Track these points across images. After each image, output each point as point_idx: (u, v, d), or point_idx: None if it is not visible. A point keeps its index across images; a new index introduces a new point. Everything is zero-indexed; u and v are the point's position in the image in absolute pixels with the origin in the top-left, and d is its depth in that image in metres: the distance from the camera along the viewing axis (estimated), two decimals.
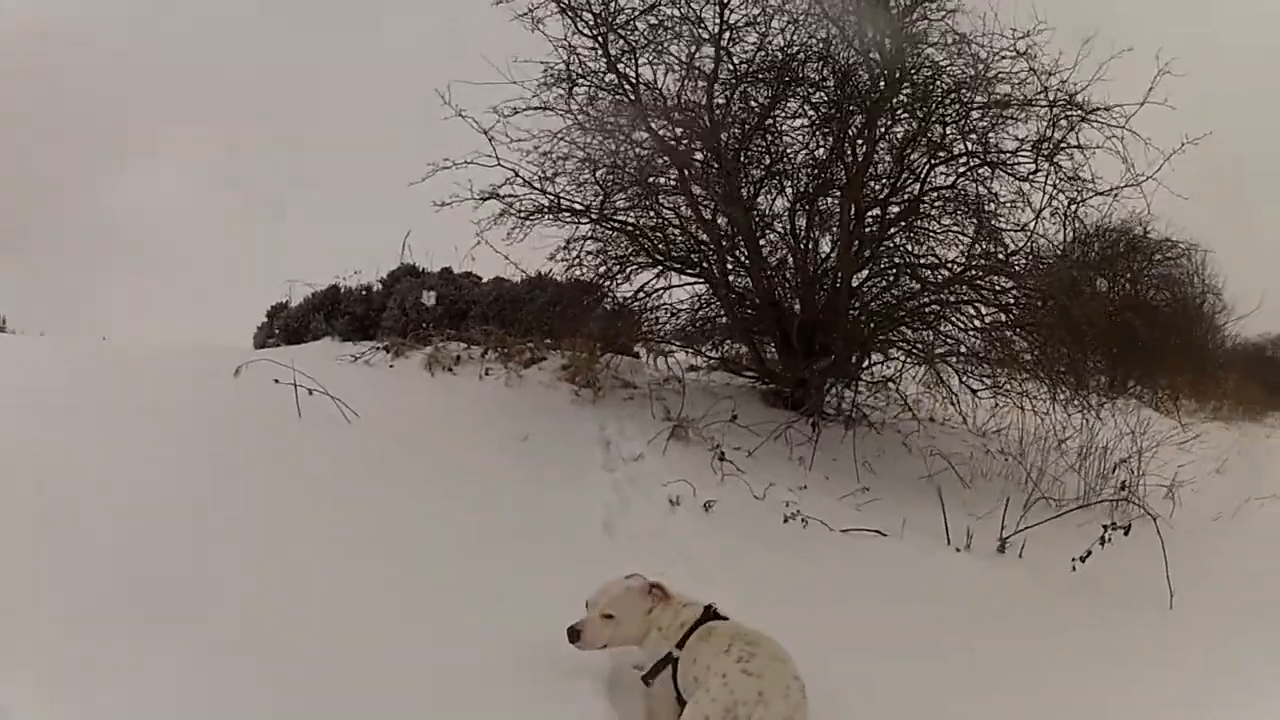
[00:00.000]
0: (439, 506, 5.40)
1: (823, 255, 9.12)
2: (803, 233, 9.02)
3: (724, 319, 9.40)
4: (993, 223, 8.24)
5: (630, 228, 8.94)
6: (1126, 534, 6.19)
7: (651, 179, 8.58)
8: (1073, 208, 7.79)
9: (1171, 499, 7.56)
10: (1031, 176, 7.85)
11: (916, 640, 4.85)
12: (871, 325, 9.12)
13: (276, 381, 6.28)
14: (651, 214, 8.94)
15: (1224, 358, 16.02)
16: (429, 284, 9.68)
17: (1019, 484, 7.92)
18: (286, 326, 10.14)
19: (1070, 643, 5.11)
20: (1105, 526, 6.20)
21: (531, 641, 3.95)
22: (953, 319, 8.94)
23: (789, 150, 8.77)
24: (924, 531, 6.43)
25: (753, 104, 8.47)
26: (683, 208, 8.84)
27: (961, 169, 8.25)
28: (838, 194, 8.74)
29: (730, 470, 6.90)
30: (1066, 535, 6.55)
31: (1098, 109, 7.38)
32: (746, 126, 8.45)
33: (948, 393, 9.01)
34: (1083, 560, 5.93)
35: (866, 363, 9.49)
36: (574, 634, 3.92)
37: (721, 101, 8.29)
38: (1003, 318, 8.73)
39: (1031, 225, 8.02)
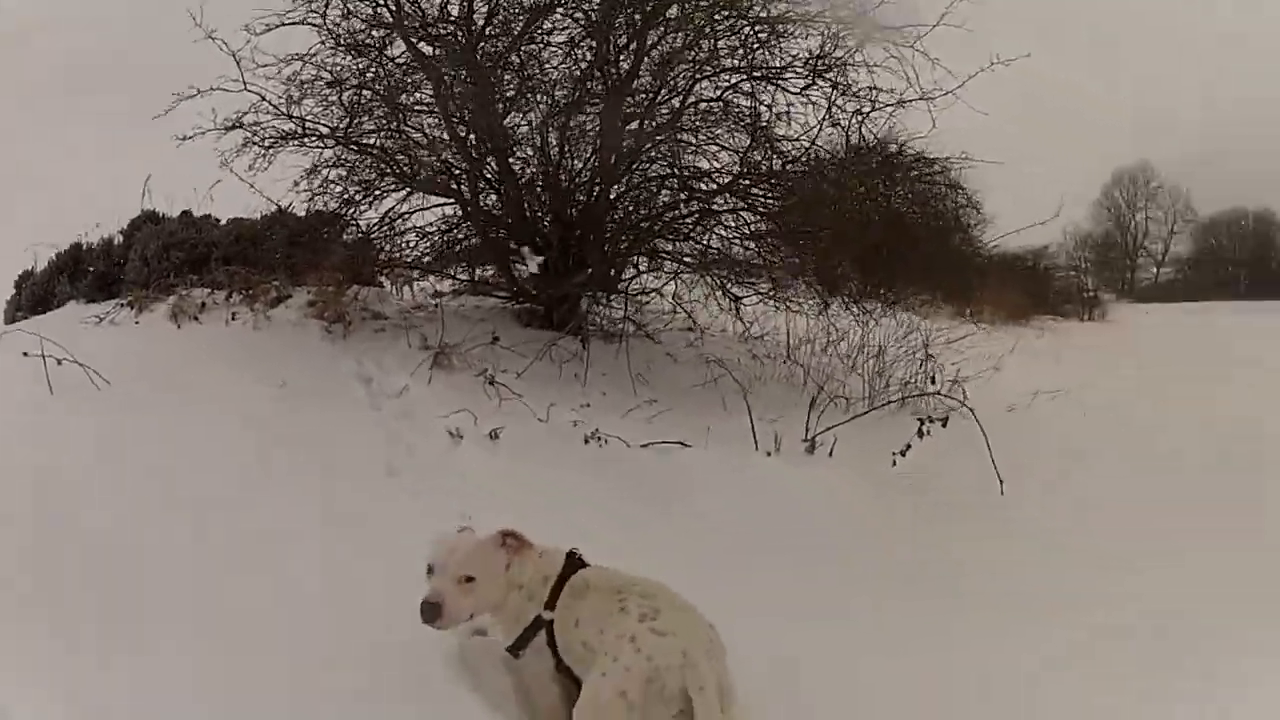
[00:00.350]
0: (211, 465, 4.94)
1: (575, 170, 8.92)
2: (554, 147, 8.75)
3: (476, 241, 9.10)
4: (766, 134, 8.27)
5: (376, 150, 8.44)
6: (944, 425, 6.46)
7: (403, 97, 8.20)
8: (853, 121, 7.95)
9: (960, 394, 7.72)
10: (805, 91, 7.96)
11: (770, 550, 4.98)
12: (631, 238, 9.09)
13: (25, 355, 5.63)
14: (400, 135, 8.46)
15: (983, 267, 17.09)
16: (169, 229, 8.92)
17: (798, 388, 8.14)
18: (33, 295, 9.19)
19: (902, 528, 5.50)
20: (921, 420, 6.51)
21: (356, 621, 3.53)
22: (716, 229, 9.01)
23: (548, 64, 8.51)
24: (725, 439, 6.50)
25: (513, 18, 8.16)
26: (431, 128, 8.46)
27: (726, 84, 8.27)
28: (597, 107, 8.51)
29: (506, 395, 6.66)
30: (868, 433, 6.83)
31: (885, 28, 7.53)
32: (505, 41, 8.14)
33: (714, 300, 9.22)
34: (903, 454, 6.21)
35: (629, 274, 9.44)
36: (433, 610, 3.23)
37: (484, 12, 7.95)
38: (763, 227, 8.88)
39: (802, 137, 8.16)
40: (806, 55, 7.92)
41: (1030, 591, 4.86)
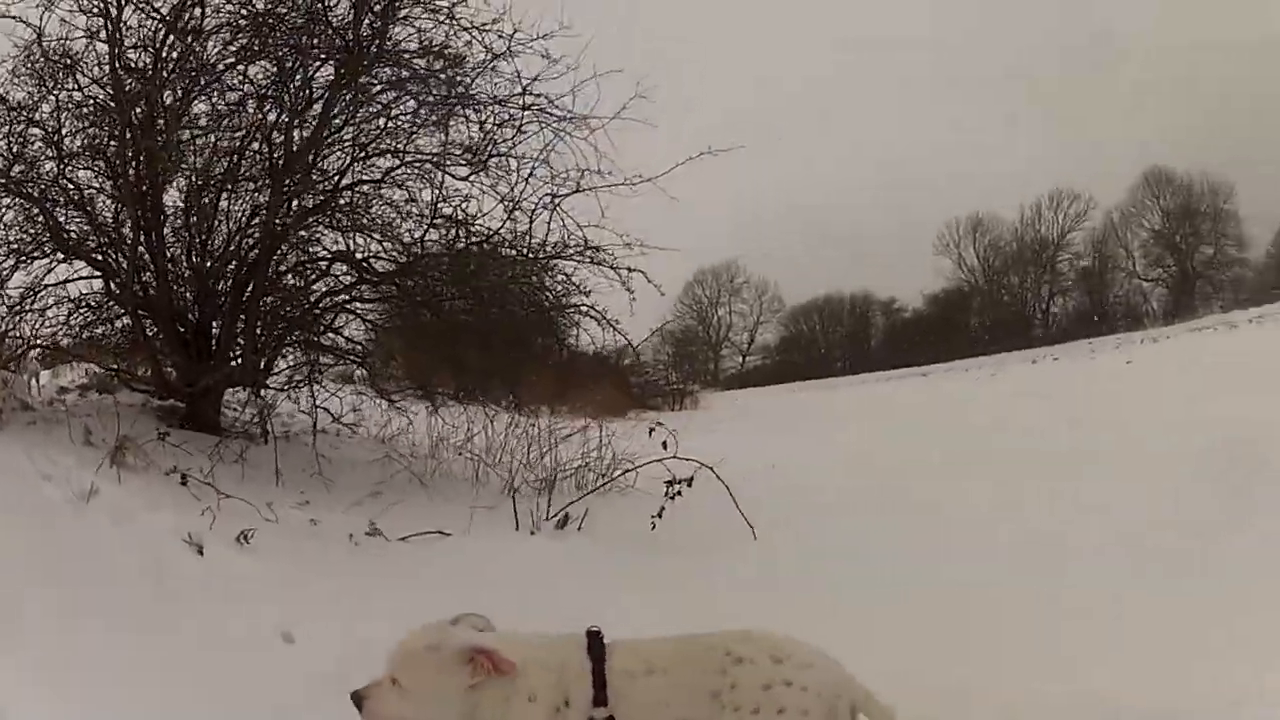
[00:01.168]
0: None
1: (219, 249, 8.65)
2: (195, 226, 8.52)
3: (124, 324, 8.58)
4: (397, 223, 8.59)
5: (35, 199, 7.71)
6: (690, 485, 6.96)
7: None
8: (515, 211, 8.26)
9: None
10: (471, 179, 8.26)
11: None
12: (283, 326, 8.87)
13: None
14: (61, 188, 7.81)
15: (580, 366, 17.63)
16: None
17: (471, 479, 8.44)
18: None
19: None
20: (668, 483, 6.94)
21: None
22: (351, 322, 9.17)
23: (197, 138, 8.23)
24: (478, 525, 6.58)
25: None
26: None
27: (380, 172, 8.52)
28: (249, 185, 8.49)
29: (206, 495, 6.24)
30: (594, 507, 7.23)
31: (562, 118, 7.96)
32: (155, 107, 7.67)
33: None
34: (659, 517, 6.67)
35: (281, 367, 9.22)
36: (357, 700, 2.96)
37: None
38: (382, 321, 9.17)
39: (416, 230, 8.48)
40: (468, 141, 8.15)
41: None
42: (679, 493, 6.83)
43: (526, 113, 8.00)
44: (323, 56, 7.78)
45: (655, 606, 4.80)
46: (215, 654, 3.94)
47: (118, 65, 7.37)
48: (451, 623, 3.06)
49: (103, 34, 7.37)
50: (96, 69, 7.55)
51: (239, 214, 8.57)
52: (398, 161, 8.33)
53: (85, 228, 7.96)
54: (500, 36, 7.75)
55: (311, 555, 5.59)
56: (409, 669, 2.94)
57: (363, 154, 8.37)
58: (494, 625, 3.14)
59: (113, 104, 7.44)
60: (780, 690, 2.79)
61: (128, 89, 7.38)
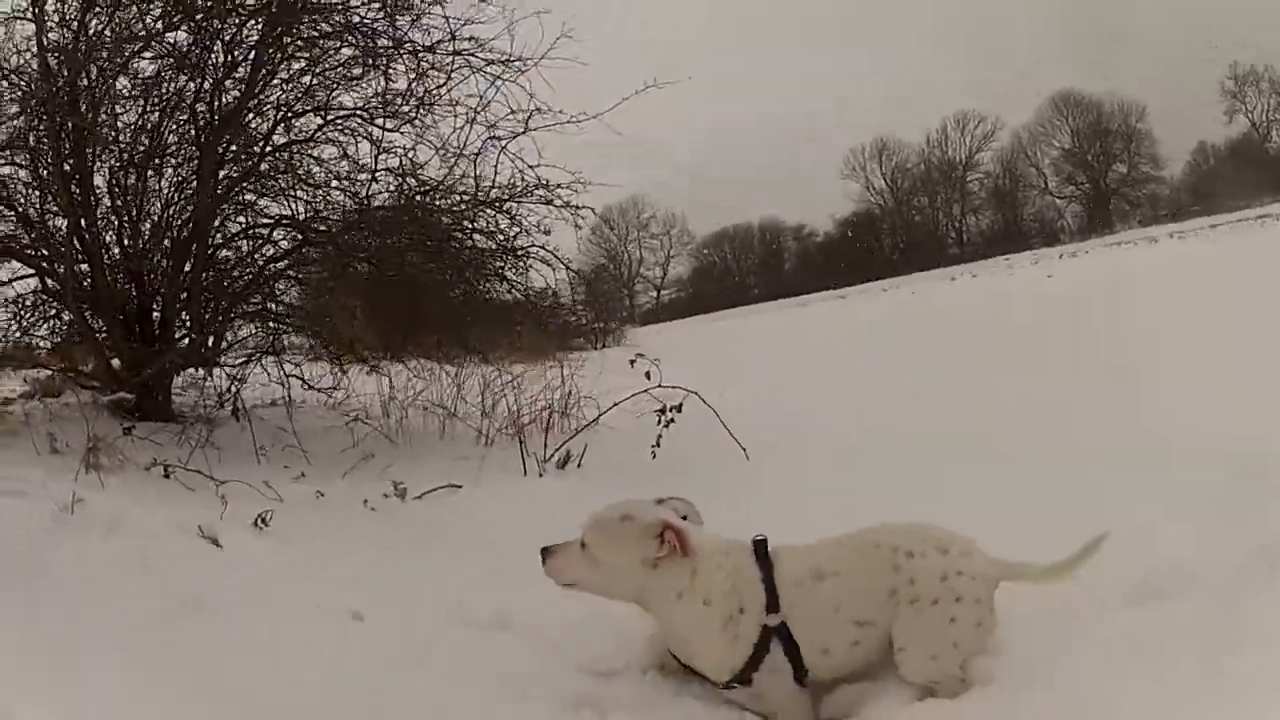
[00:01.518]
0: None
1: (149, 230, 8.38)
2: (123, 208, 8.19)
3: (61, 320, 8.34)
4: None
5: None
6: (680, 410, 7.13)
7: None
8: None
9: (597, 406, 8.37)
10: (403, 130, 8.23)
11: None
12: (225, 301, 8.63)
13: None
14: None
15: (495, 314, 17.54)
16: None
17: (437, 433, 8.55)
18: None
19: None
20: (659, 412, 7.12)
21: None
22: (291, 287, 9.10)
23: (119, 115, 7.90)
24: (489, 474, 6.75)
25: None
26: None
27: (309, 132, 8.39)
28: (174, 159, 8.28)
29: (200, 483, 6.04)
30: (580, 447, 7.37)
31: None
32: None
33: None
34: (657, 446, 6.88)
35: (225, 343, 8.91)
36: (543, 554, 3.31)
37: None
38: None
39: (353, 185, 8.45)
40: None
41: None
42: (672, 420, 6.94)
43: (457, 58, 7.87)
44: (248, 10, 7.49)
45: None
46: (289, 630, 3.84)
47: (44, 42, 7.03)
48: (656, 503, 3.26)
49: (29, 13, 7.01)
50: (15, 57, 7.20)
51: (167, 190, 8.29)
52: (325, 119, 8.21)
53: (12, 224, 7.65)
54: None
55: (334, 527, 5.52)
56: (600, 534, 3.16)
57: (289, 114, 8.17)
58: (700, 515, 3.41)
59: (36, 86, 7.08)
60: (955, 580, 3.01)
61: (51, 67, 7.06)
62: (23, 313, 8.14)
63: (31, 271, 7.84)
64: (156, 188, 8.26)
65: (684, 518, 3.25)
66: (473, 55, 7.88)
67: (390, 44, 7.88)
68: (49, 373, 8.39)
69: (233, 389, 8.44)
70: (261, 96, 7.99)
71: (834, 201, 70.95)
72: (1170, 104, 66.66)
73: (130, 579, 4.36)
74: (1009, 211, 70.20)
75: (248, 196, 8.54)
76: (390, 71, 7.95)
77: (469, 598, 4.12)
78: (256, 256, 8.68)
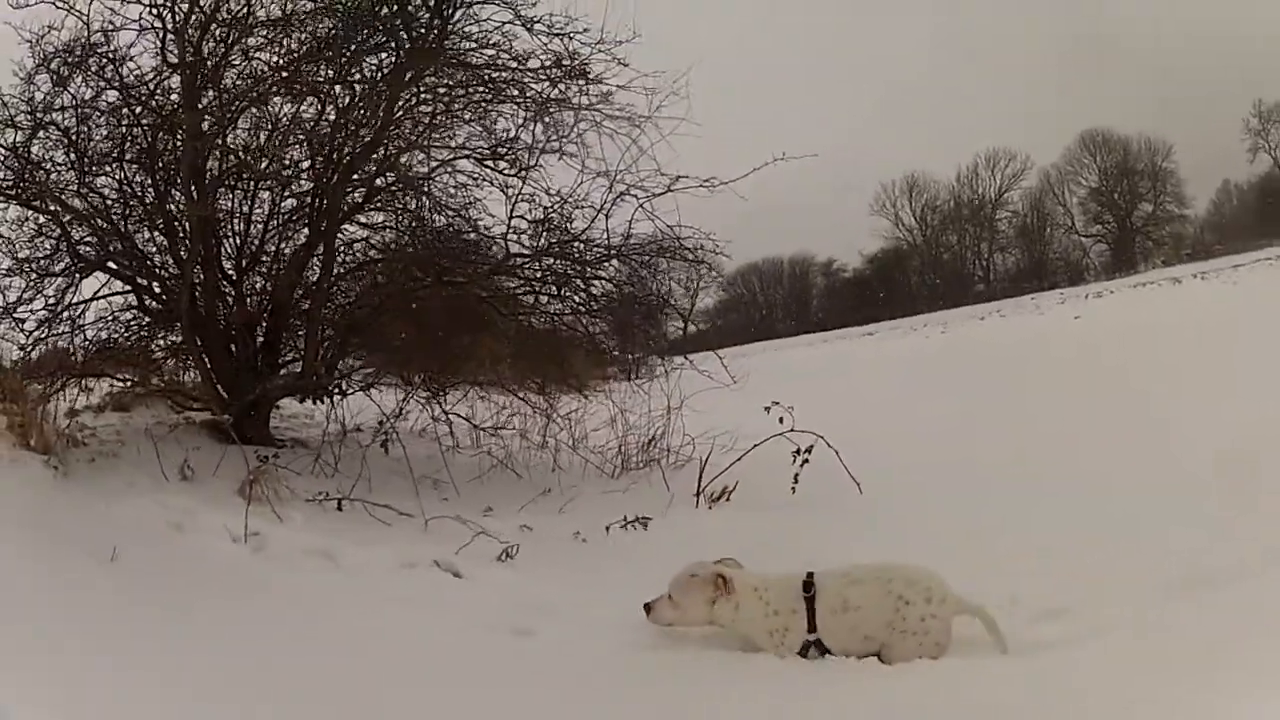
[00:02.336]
0: None
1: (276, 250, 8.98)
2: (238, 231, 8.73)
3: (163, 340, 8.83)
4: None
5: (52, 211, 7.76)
6: (810, 452, 7.72)
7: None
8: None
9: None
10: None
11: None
12: (345, 326, 8.99)
13: None
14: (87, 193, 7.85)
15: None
16: None
17: (549, 464, 8.99)
18: None
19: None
20: (794, 454, 7.74)
21: None
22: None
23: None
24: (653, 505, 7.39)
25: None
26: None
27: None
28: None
29: (389, 518, 6.65)
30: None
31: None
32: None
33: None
34: (795, 483, 7.50)
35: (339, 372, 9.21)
36: (647, 609, 4.83)
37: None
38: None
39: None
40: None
41: None
42: (807, 459, 7.60)
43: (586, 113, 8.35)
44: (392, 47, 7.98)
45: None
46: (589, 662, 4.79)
47: (187, 56, 7.42)
48: (715, 563, 4.85)
49: (156, 24, 7.44)
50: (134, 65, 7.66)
51: (282, 213, 8.78)
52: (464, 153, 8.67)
53: (123, 242, 8.04)
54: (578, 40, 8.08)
55: (562, 558, 6.28)
56: (679, 587, 4.79)
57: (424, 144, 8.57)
58: (742, 565, 4.88)
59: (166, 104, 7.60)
60: (929, 620, 4.55)
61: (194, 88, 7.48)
62: (116, 328, 8.54)
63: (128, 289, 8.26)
64: (277, 210, 8.76)
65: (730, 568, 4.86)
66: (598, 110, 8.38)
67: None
68: (123, 386, 8.78)
69: (392, 421, 8.74)
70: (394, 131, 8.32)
71: (862, 238, 72.05)
72: (1196, 141, 67.70)
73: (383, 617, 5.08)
74: (1036, 250, 71.18)
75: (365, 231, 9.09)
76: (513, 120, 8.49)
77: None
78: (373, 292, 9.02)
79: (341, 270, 9.03)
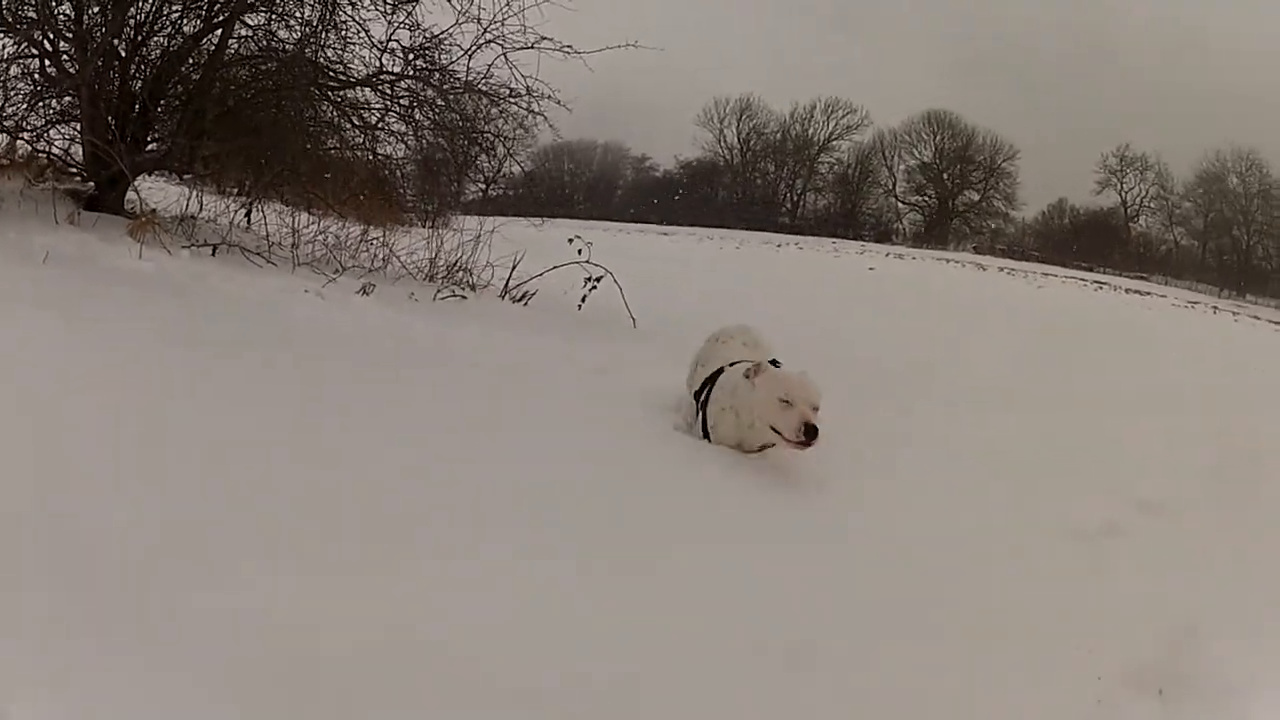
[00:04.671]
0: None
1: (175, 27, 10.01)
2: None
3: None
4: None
5: None
6: (600, 281, 10.36)
7: None
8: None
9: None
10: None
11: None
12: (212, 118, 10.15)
13: None
14: None
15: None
16: None
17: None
18: None
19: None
20: (587, 279, 10.30)
21: None
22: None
23: None
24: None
25: None
26: None
27: None
28: None
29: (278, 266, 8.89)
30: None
31: None
32: None
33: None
34: (583, 301, 10.20)
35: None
36: (813, 431, 5.23)
37: None
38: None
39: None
40: None
41: None
42: (595, 286, 10.13)
43: None
44: None
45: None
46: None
47: None
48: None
49: None
50: None
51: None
52: None
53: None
54: None
55: (406, 305, 8.57)
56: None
57: None
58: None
59: None
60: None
61: None
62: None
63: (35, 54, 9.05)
64: None
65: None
66: None
67: None
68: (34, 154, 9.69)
69: (255, 192, 10.70)
70: None
71: (681, 144, 75.25)
72: (1046, 157, 74.55)
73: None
74: (850, 201, 76.70)
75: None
76: None
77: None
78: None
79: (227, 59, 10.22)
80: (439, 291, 9.46)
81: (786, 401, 5.24)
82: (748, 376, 5.53)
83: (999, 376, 11.53)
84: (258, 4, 10.15)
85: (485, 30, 10.23)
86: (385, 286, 9.11)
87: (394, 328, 7.64)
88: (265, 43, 10.42)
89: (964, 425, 7.82)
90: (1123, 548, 5.27)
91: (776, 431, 5.28)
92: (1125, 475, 6.71)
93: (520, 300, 10.18)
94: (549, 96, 10.66)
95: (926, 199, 78.20)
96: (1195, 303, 47.10)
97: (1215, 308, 46.74)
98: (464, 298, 9.52)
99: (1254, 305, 58.44)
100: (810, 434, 5.14)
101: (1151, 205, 76.42)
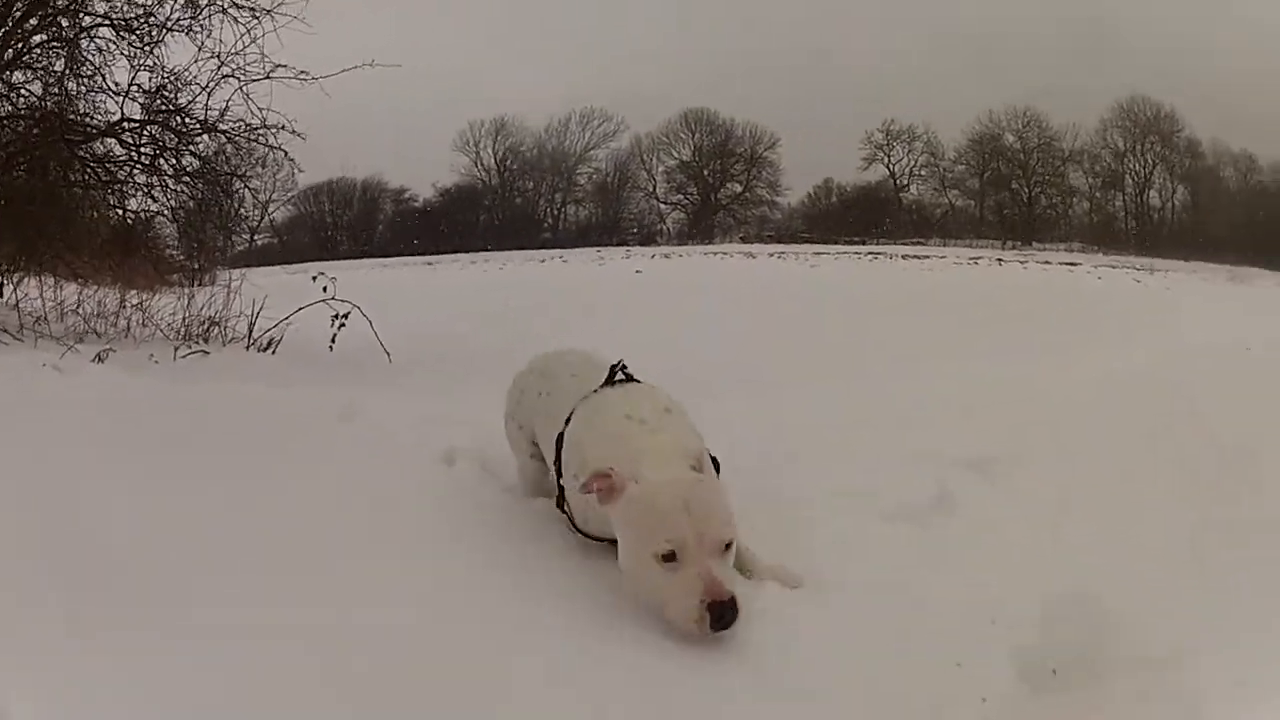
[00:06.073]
0: None
1: None
2: None
3: None
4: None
5: None
6: (347, 317, 10.56)
7: None
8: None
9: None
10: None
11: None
12: None
13: None
14: None
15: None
16: None
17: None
18: None
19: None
20: (335, 315, 10.54)
21: None
22: None
23: None
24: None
25: None
26: None
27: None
28: None
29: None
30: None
31: None
32: None
33: None
34: (333, 342, 10.46)
35: None
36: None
37: None
38: None
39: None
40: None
41: None
42: (343, 324, 10.31)
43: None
44: None
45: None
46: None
47: None
48: None
49: None
50: None
51: None
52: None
53: None
54: None
55: (146, 367, 8.58)
56: None
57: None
58: None
59: None
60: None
61: None
62: None
63: None
64: None
65: None
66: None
67: None
68: None
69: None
70: None
71: (439, 170, 75.07)
72: (808, 139, 77.19)
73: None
74: (611, 209, 77.93)
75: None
76: None
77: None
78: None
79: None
80: (177, 349, 9.45)
81: (670, 556, 3.40)
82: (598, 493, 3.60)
83: (779, 357, 11.68)
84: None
85: (224, 64, 10.64)
86: (127, 351, 9.26)
87: (122, 392, 7.15)
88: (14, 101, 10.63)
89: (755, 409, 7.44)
90: (957, 519, 4.70)
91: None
92: (941, 438, 6.22)
93: (267, 349, 10.38)
94: (283, 127, 11.04)
95: (688, 197, 79.88)
96: (978, 258, 49.00)
97: (1000, 259, 49.17)
98: (206, 353, 9.58)
99: (1041, 251, 61.05)
100: (722, 619, 3.30)
101: (923, 173, 79.33)
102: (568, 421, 4.11)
